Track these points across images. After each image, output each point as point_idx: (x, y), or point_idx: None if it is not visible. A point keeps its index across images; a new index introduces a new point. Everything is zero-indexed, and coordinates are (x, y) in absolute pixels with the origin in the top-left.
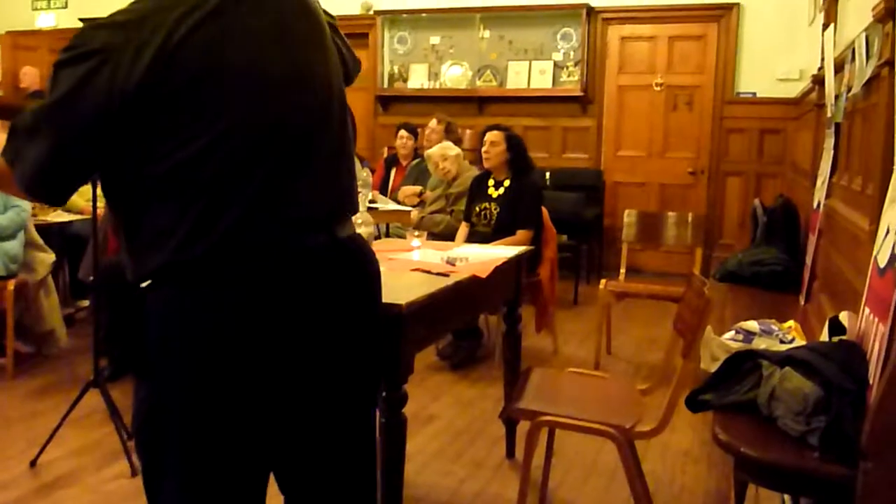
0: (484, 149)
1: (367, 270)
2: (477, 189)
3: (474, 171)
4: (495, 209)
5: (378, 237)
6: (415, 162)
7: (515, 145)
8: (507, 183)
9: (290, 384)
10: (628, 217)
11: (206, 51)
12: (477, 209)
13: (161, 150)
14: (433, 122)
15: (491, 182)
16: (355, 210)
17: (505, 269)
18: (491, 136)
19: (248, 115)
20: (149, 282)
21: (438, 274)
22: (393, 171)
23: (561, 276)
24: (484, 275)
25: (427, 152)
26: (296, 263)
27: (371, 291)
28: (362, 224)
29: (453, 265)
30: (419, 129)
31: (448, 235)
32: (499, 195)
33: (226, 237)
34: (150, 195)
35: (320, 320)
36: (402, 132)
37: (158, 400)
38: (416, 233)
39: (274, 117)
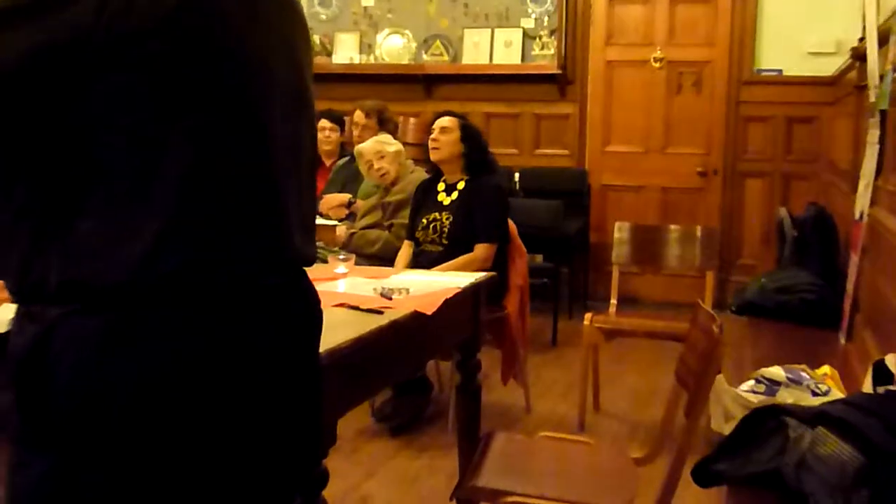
0: (432, 136)
1: (316, 313)
2: (424, 196)
3: (420, 174)
4: (447, 220)
5: None
6: (341, 162)
7: (472, 136)
8: (461, 185)
9: (224, 454)
10: (620, 231)
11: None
12: (424, 222)
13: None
14: (358, 115)
15: (441, 186)
16: (313, 261)
17: (459, 302)
18: (442, 121)
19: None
20: (61, 306)
21: (370, 311)
22: None
23: (534, 308)
24: (430, 310)
25: (358, 148)
26: (261, 303)
27: (317, 340)
28: None
29: (390, 298)
30: (347, 119)
31: (385, 258)
32: (451, 202)
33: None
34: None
35: (273, 376)
36: (324, 122)
37: (69, 478)
38: (343, 255)
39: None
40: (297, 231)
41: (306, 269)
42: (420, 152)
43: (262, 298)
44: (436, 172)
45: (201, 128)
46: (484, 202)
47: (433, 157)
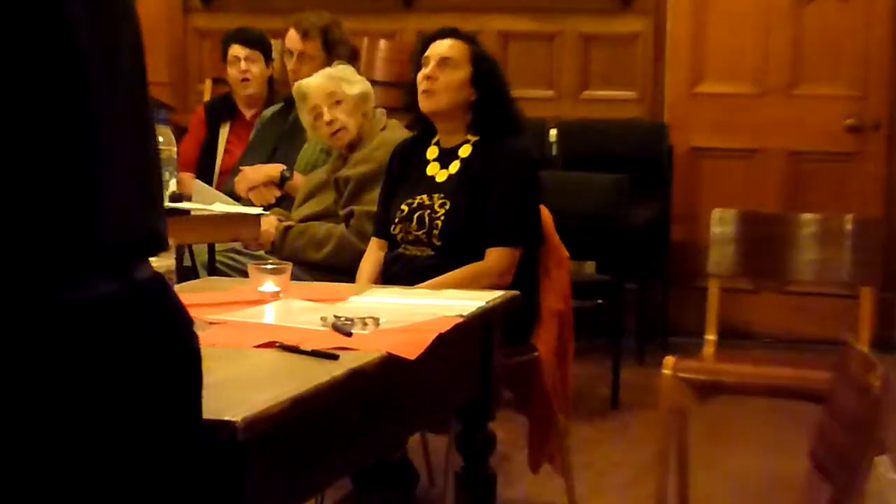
0: (425, 71)
1: (186, 344)
2: (403, 167)
3: (397, 132)
4: (441, 206)
5: (187, 275)
6: (269, 111)
7: (491, 74)
8: (464, 152)
9: None
10: (720, 223)
11: None
12: (404, 209)
13: None
14: (292, 37)
15: (432, 153)
16: (164, 241)
17: (459, 340)
18: (441, 46)
19: None
20: None
21: (317, 354)
22: (223, 132)
23: (581, 349)
24: (414, 353)
25: (298, 88)
26: (69, 326)
27: (189, 384)
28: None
29: (349, 334)
30: (276, 43)
31: (340, 267)
32: (449, 177)
33: None
34: None
35: (96, 430)
36: (236, 49)
37: None
38: (272, 263)
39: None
40: (129, 198)
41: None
42: (395, 96)
43: (68, 327)
44: (422, 129)
45: None
46: (503, 180)
47: (424, 105)
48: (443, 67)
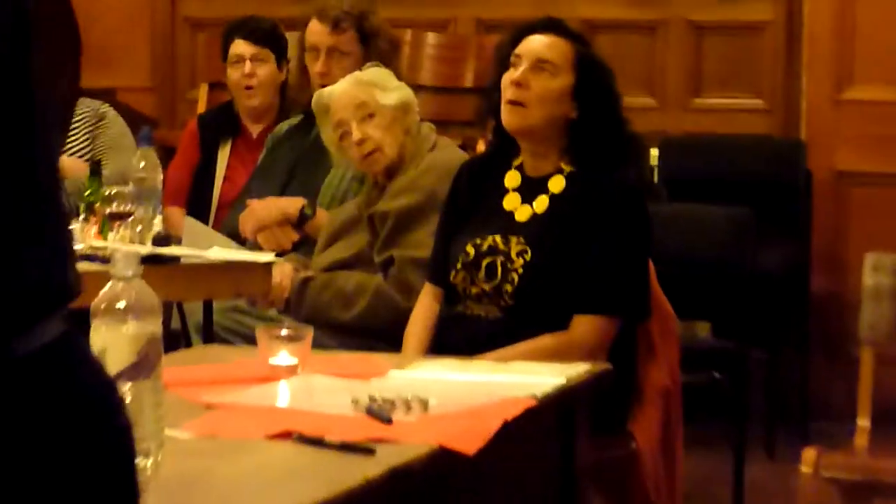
0: (515, 75)
1: (101, 432)
2: (473, 190)
3: (451, 153)
4: (520, 252)
5: (177, 342)
6: (283, 127)
7: (598, 85)
8: (556, 185)
9: None
10: (876, 271)
11: None
12: (469, 250)
13: None
14: (316, 28)
15: (513, 179)
16: (74, 291)
17: (531, 430)
18: (538, 44)
19: None
20: None
21: (347, 447)
22: (223, 154)
23: (694, 437)
24: (473, 447)
25: (320, 97)
26: None
27: (108, 487)
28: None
29: (389, 421)
30: (292, 37)
31: (376, 329)
32: (534, 216)
33: None
34: None
35: None
36: (241, 45)
37: None
38: (288, 326)
39: None
40: (27, 242)
41: (138, 325)
42: (447, 106)
43: None
44: (500, 147)
45: None
46: (604, 227)
47: (510, 119)
48: (538, 72)
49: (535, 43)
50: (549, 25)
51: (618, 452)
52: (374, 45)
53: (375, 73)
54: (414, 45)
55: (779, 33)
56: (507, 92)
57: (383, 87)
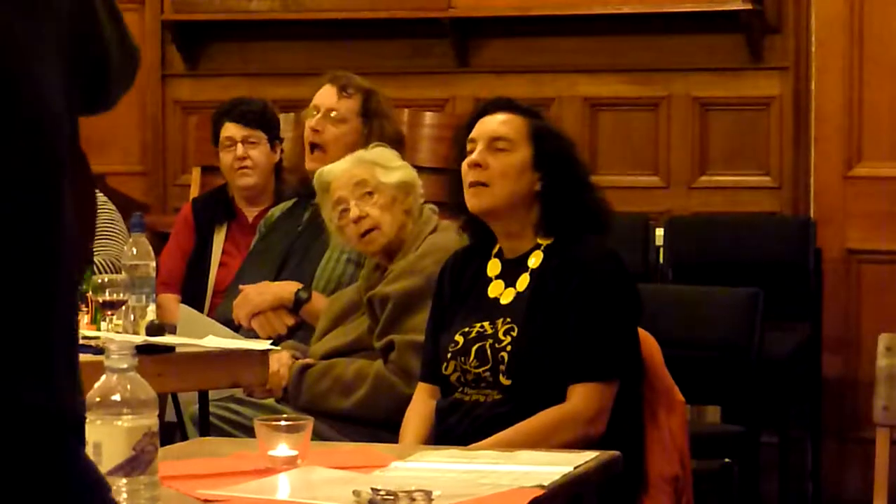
0: (470, 159)
1: None
2: (456, 286)
3: (452, 233)
4: (506, 331)
5: (172, 434)
6: (279, 209)
7: (556, 152)
8: (535, 261)
9: None
10: (891, 353)
11: None
12: (458, 340)
13: None
14: (325, 95)
15: (493, 267)
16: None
17: None
18: (490, 124)
19: None
20: None
21: None
22: (218, 239)
23: None
24: None
25: (321, 176)
26: None
27: None
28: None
29: None
30: (287, 117)
31: (377, 418)
32: (517, 296)
33: None
34: None
35: None
36: (232, 128)
37: None
38: (286, 417)
39: None
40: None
41: (132, 419)
42: (445, 186)
43: None
44: (477, 236)
45: None
46: (582, 294)
47: (473, 203)
48: (494, 151)
49: (488, 123)
50: (500, 105)
51: None
52: (376, 124)
53: (379, 152)
54: (412, 125)
55: (786, 109)
56: (468, 176)
57: (385, 165)
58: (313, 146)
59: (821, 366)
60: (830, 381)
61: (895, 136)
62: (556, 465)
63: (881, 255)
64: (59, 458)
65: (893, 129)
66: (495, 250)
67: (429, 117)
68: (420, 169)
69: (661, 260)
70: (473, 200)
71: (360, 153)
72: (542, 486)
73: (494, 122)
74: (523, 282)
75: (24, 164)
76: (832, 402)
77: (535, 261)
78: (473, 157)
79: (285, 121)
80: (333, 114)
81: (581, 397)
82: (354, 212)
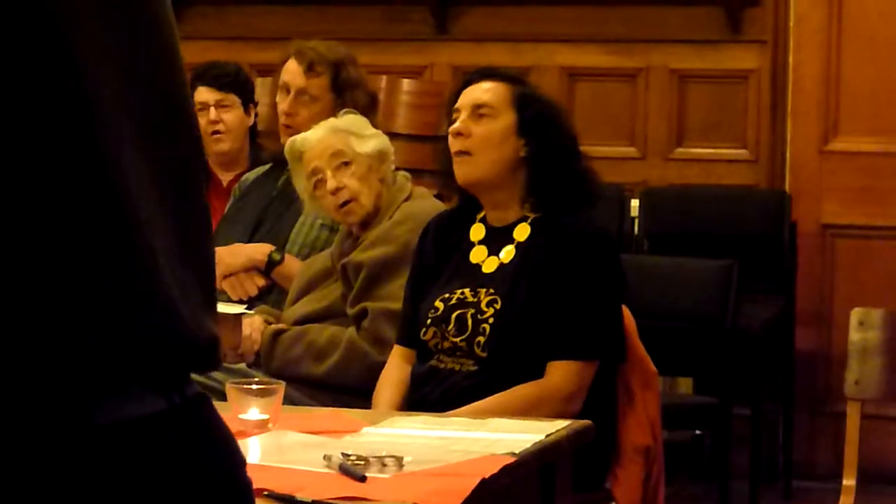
0: (454, 126)
1: (235, 473)
2: (439, 248)
3: (426, 204)
4: (489, 303)
5: None
6: (252, 175)
7: (545, 122)
8: (521, 234)
9: None
10: (863, 327)
11: None
12: (439, 306)
13: None
14: (291, 70)
15: (477, 232)
16: (216, 360)
17: (510, 489)
18: (475, 92)
19: None
20: None
21: None
22: None
23: (677, 496)
24: None
25: (293, 144)
26: (109, 452)
27: None
28: None
29: (362, 479)
30: (261, 82)
31: (349, 384)
32: (501, 266)
33: None
34: None
35: None
36: (204, 92)
37: None
38: (258, 381)
39: None
40: (178, 292)
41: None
42: (422, 154)
43: (108, 453)
44: (464, 202)
45: None
46: (572, 270)
47: (459, 172)
48: (477, 118)
49: (471, 92)
50: (484, 73)
51: None
52: (349, 96)
53: (351, 120)
54: (389, 92)
55: (764, 83)
56: (453, 146)
57: (359, 134)
58: (288, 127)
59: (794, 339)
60: (803, 355)
61: (872, 112)
62: (527, 434)
63: (856, 230)
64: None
65: (870, 104)
66: (480, 216)
67: (406, 84)
68: (397, 136)
69: (637, 231)
70: (459, 170)
71: (333, 121)
72: (513, 454)
73: (478, 91)
74: (508, 254)
75: None
76: (804, 376)
77: (521, 234)
78: (456, 125)
79: (262, 85)
80: (305, 96)
81: (561, 375)
82: (332, 183)
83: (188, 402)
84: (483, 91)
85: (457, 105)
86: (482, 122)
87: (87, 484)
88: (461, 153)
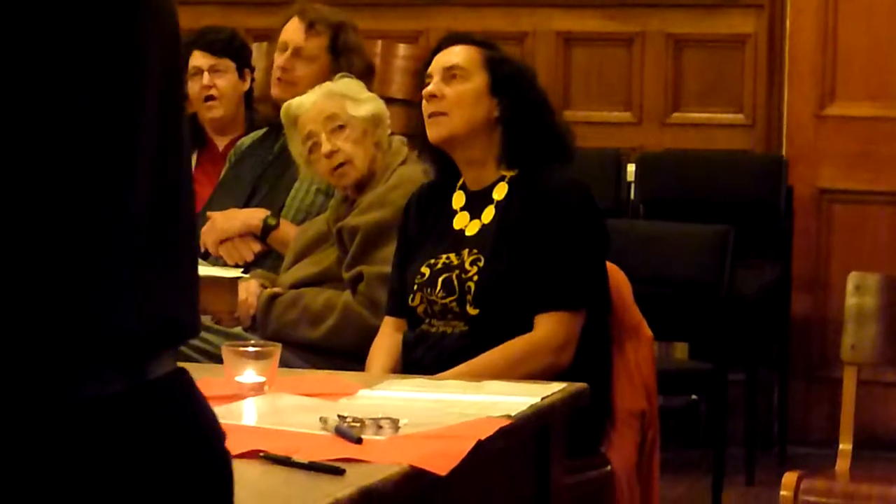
0: (427, 89)
1: (212, 449)
2: (422, 219)
3: (420, 167)
4: (473, 261)
5: None
6: (247, 139)
7: (513, 80)
8: (500, 193)
9: None
10: (859, 291)
11: None
12: (424, 272)
13: None
14: (293, 29)
15: (458, 199)
16: (189, 329)
17: (505, 451)
18: (446, 56)
19: None
20: None
21: (315, 467)
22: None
23: (671, 461)
24: (444, 468)
25: (289, 107)
26: (71, 430)
27: (215, 495)
28: None
29: (357, 440)
30: (258, 47)
31: (345, 348)
32: (482, 228)
33: None
34: None
35: None
36: (198, 57)
37: None
38: (254, 344)
39: None
40: (140, 276)
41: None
42: (419, 119)
43: (70, 430)
44: (442, 170)
45: None
46: (549, 224)
47: (433, 133)
48: (449, 80)
49: (443, 56)
50: (455, 39)
51: (592, 475)
52: (345, 60)
53: (346, 84)
54: (384, 57)
55: (760, 47)
56: (426, 109)
57: (354, 98)
58: (280, 80)
59: (790, 304)
60: (799, 320)
61: (868, 76)
62: (523, 396)
63: (852, 195)
64: (182, 393)
65: (866, 68)
66: (460, 183)
67: (402, 49)
68: (392, 101)
69: (633, 196)
70: (431, 131)
71: (328, 85)
72: (509, 416)
73: (449, 55)
74: (488, 214)
75: None
76: (800, 341)
77: (499, 193)
78: (429, 88)
79: (258, 50)
80: (303, 52)
81: (548, 326)
82: (326, 146)
83: (157, 381)
84: (454, 54)
85: (429, 70)
86: (454, 83)
87: (50, 463)
88: (434, 114)
